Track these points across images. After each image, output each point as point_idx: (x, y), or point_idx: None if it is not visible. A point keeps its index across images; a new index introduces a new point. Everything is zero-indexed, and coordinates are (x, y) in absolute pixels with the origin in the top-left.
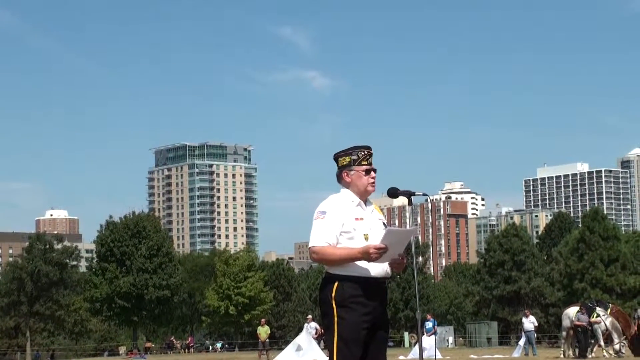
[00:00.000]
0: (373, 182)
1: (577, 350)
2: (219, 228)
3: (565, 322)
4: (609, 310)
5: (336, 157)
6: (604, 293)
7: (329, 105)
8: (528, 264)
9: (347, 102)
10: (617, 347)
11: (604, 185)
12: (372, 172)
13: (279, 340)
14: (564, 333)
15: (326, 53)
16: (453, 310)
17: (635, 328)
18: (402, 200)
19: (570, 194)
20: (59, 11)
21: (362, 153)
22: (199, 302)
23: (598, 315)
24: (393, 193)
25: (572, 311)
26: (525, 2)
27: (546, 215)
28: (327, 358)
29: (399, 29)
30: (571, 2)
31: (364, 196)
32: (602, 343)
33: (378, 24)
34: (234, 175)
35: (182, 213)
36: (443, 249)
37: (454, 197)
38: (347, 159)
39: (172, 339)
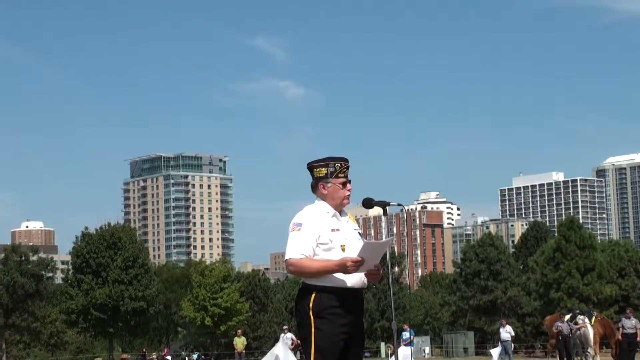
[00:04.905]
0: (349, 195)
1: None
2: (195, 239)
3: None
4: (593, 319)
5: (311, 167)
6: (580, 302)
7: (303, 115)
8: (504, 274)
9: (322, 111)
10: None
11: (579, 194)
12: (348, 185)
13: (255, 351)
14: (552, 341)
15: (300, 63)
16: (429, 320)
17: (620, 335)
18: (377, 211)
19: (546, 203)
20: (31, 23)
21: (339, 165)
22: (175, 313)
23: (576, 323)
24: (368, 203)
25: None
26: (499, 14)
27: (522, 225)
28: None
29: (373, 39)
30: (543, 14)
31: (339, 208)
32: (579, 351)
33: (352, 34)
34: (209, 186)
35: (158, 224)
36: (419, 259)
37: (429, 207)
38: (324, 170)
39: (144, 350)
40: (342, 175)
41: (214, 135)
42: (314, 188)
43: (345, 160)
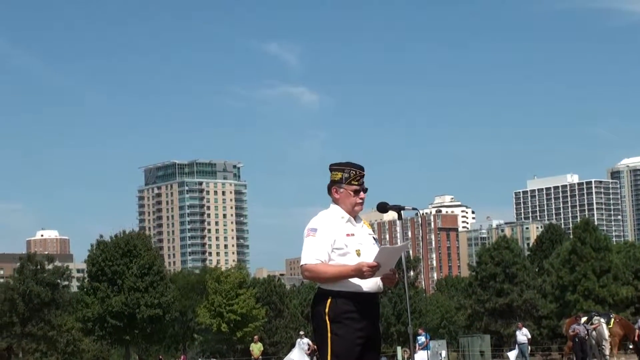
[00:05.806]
0: (361, 203)
1: None
2: (210, 245)
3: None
4: (612, 321)
5: (330, 169)
6: (596, 304)
7: (317, 120)
8: (520, 276)
9: (335, 117)
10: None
11: (594, 196)
12: (362, 193)
13: (272, 356)
14: (570, 343)
15: (313, 69)
16: (445, 324)
17: (637, 337)
18: (392, 215)
19: (561, 205)
20: (45, 31)
21: (354, 172)
22: (191, 320)
23: (592, 323)
24: (383, 208)
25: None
26: (511, 16)
27: (537, 227)
28: None
29: (386, 42)
30: (555, 16)
31: (352, 214)
32: (596, 352)
33: (365, 39)
34: (223, 193)
35: (173, 231)
36: (434, 262)
37: (444, 210)
38: (339, 175)
39: (160, 357)
40: (356, 182)
41: (228, 142)
42: (330, 190)
43: (361, 168)
